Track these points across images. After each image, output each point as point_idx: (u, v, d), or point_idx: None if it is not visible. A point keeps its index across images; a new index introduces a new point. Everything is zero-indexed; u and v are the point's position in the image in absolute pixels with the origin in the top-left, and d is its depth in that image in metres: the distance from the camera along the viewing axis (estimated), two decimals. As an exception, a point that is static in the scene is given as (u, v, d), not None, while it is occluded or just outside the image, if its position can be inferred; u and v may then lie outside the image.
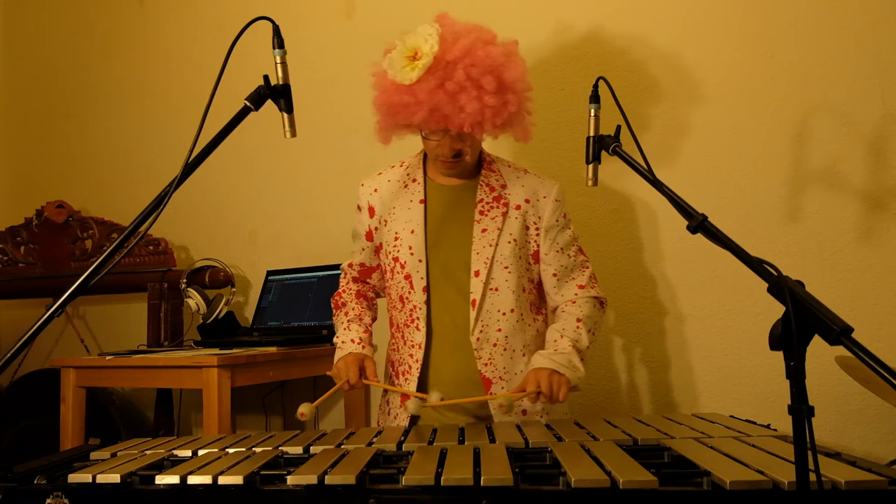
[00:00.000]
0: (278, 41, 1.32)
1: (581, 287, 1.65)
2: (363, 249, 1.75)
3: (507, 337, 1.60)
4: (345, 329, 1.67)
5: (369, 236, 1.72)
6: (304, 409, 1.38)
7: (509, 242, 1.61)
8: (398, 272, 1.64)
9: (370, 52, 2.54)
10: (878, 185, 1.93)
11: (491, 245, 1.60)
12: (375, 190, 1.71)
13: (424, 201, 1.65)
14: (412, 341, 1.62)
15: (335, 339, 1.68)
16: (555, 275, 1.65)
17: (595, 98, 1.46)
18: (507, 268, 1.60)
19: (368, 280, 1.79)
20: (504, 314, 1.60)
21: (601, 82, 1.46)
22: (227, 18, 2.83)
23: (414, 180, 1.68)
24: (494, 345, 1.60)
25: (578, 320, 1.59)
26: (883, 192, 1.93)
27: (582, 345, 1.56)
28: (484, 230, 1.61)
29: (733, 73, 2.07)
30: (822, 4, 1.99)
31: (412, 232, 1.63)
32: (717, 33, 2.09)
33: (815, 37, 1.99)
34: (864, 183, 1.94)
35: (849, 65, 1.96)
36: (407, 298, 1.63)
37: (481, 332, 1.59)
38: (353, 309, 1.72)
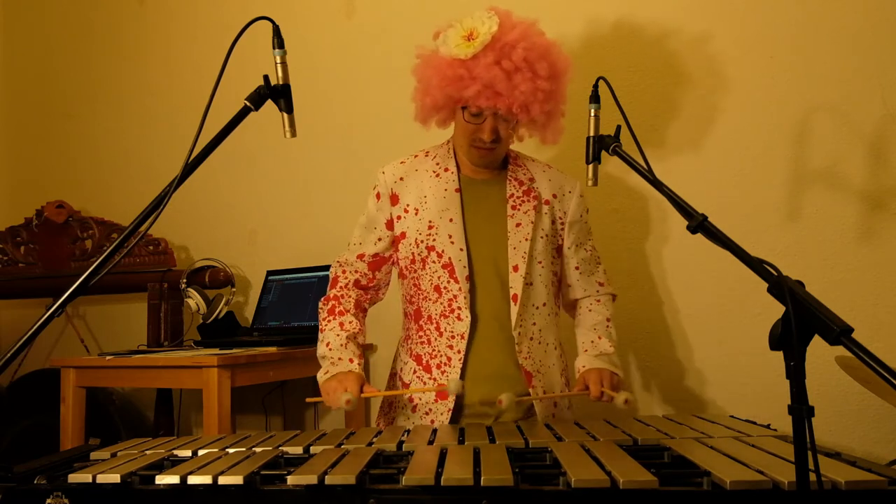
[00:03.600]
0: (278, 41, 1.32)
1: (601, 284, 1.73)
2: (379, 239, 1.68)
3: (541, 330, 1.63)
4: (341, 346, 1.56)
5: (390, 225, 1.67)
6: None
7: (542, 238, 1.63)
8: (433, 261, 1.60)
9: (370, 52, 2.58)
10: (878, 185, 1.93)
11: (526, 239, 1.61)
12: (401, 178, 1.66)
13: (460, 191, 1.65)
14: (452, 331, 1.59)
15: (327, 351, 1.56)
16: (577, 268, 1.70)
17: (595, 98, 1.46)
18: (540, 262, 1.63)
19: (377, 273, 1.70)
20: (538, 308, 1.62)
21: (601, 82, 1.46)
22: (227, 18, 2.83)
23: (446, 170, 1.66)
24: (531, 338, 1.62)
25: (608, 320, 1.69)
26: (883, 192, 1.93)
27: (615, 344, 1.66)
28: (518, 224, 1.62)
29: (733, 74, 2.07)
30: (822, 4, 1.99)
31: (450, 220, 1.61)
32: (718, 33, 2.09)
33: (816, 37, 1.99)
34: (864, 183, 1.94)
35: (849, 65, 1.96)
36: (446, 288, 1.59)
37: (522, 326, 1.59)
38: (351, 324, 1.61)
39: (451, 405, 1.57)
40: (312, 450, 1.27)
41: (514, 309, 1.58)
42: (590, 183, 1.46)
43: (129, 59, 3.08)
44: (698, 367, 2.10)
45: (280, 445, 1.30)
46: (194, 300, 2.53)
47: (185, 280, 2.61)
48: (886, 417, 1.91)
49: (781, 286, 0.90)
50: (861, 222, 1.95)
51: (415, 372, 1.64)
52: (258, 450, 1.28)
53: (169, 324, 2.62)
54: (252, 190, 2.79)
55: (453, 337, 1.59)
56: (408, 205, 1.65)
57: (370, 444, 1.29)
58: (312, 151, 2.63)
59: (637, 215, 2.17)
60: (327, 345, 1.58)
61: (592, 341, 1.65)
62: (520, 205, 1.64)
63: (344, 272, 1.70)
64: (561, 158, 2.22)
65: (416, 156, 1.71)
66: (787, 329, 0.86)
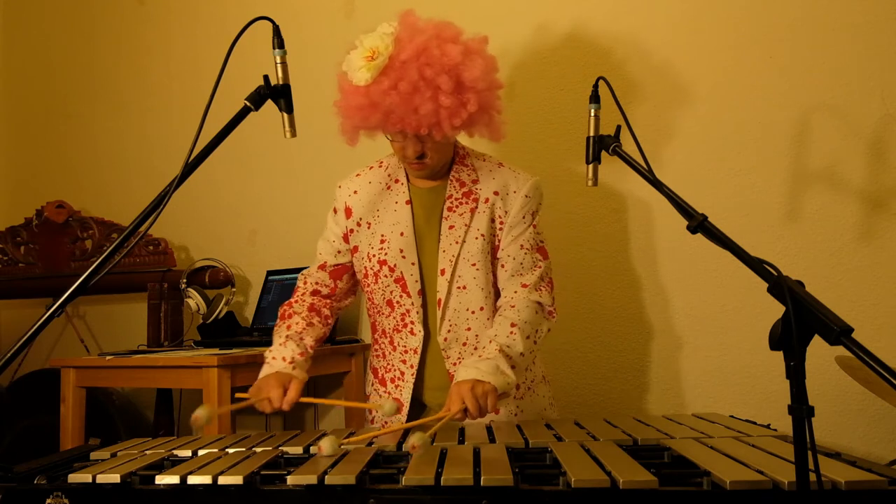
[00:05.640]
0: (278, 41, 1.33)
1: (524, 286, 1.55)
2: (339, 252, 1.67)
3: (477, 336, 1.56)
4: (280, 345, 1.52)
5: (346, 238, 1.66)
6: (200, 413, 1.21)
7: (477, 238, 1.55)
8: (385, 276, 1.58)
9: (370, 52, 2.57)
10: (878, 185, 1.93)
11: (457, 242, 1.55)
12: (355, 192, 1.65)
13: (410, 202, 1.60)
14: (405, 346, 1.58)
15: (266, 353, 1.54)
16: (503, 266, 1.58)
17: (595, 98, 1.46)
18: (474, 265, 1.55)
19: (339, 281, 1.68)
20: (473, 312, 1.56)
21: (601, 82, 1.45)
22: (227, 18, 2.83)
23: (397, 181, 1.63)
24: (464, 344, 1.57)
25: (513, 325, 1.48)
26: (883, 192, 1.93)
27: (513, 350, 1.44)
28: (451, 227, 1.56)
29: (733, 74, 2.07)
30: (821, 4, 1.98)
31: (401, 234, 1.58)
32: (717, 33, 2.09)
33: (815, 37, 1.99)
34: (864, 183, 1.94)
35: (849, 65, 1.96)
36: (398, 302, 1.58)
37: (449, 331, 1.56)
38: (297, 324, 1.57)
39: (404, 420, 1.56)
40: (312, 450, 1.27)
41: (438, 314, 1.55)
42: (590, 183, 1.45)
43: (129, 59, 3.08)
44: (698, 367, 2.09)
45: (280, 445, 1.30)
46: (194, 300, 2.53)
47: (185, 280, 2.60)
48: (886, 417, 1.91)
49: (781, 286, 0.90)
50: (861, 222, 1.95)
51: (372, 384, 1.67)
52: (258, 450, 1.28)
53: (169, 324, 2.62)
54: (252, 190, 2.79)
55: (406, 351, 1.58)
56: (360, 218, 1.63)
57: (370, 443, 1.29)
58: (312, 151, 2.63)
59: (637, 215, 2.17)
60: (270, 346, 1.56)
61: (484, 347, 1.46)
62: (457, 207, 1.57)
63: (305, 282, 1.70)
64: (560, 159, 2.23)
65: (371, 167, 1.69)
66: (787, 329, 0.86)
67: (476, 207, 1.57)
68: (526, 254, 1.57)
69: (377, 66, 1.38)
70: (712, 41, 2.09)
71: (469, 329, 1.57)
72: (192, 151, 1.25)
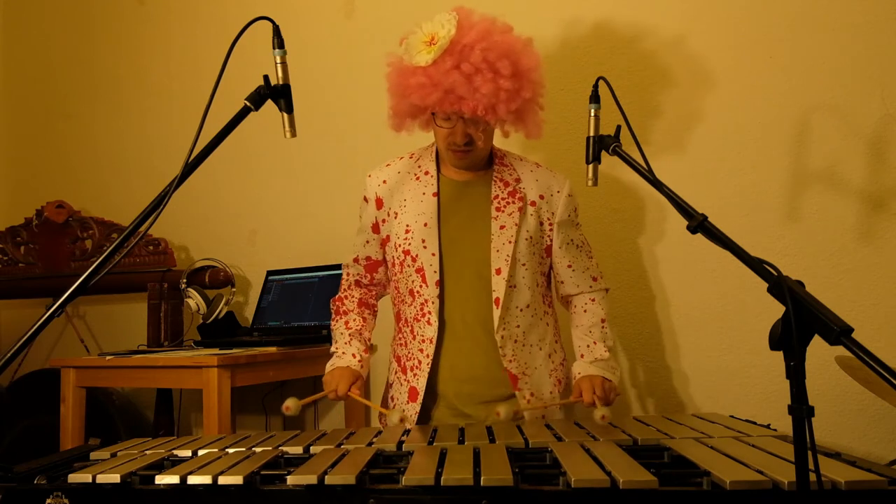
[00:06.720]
0: (278, 41, 1.33)
1: (595, 279, 1.71)
2: (368, 242, 1.73)
3: (525, 333, 1.62)
4: (346, 343, 1.67)
5: (375, 228, 1.70)
6: (290, 403, 1.43)
7: (526, 239, 1.61)
8: (408, 265, 1.62)
9: (370, 52, 2.57)
10: (878, 185, 1.93)
11: (510, 242, 1.59)
12: (384, 181, 1.69)
13: (438, 195, 1.64)
14: (422, 336, 1.61)
15: (334, 348, 1.68)
16: (570, 266, 1.68)
17: (595, 98, 1.46)
18: (524, 265, 1.61)
19: (375, 274, 1.76)
20: (521, 310, 1.61)
21: (601, 82, 1.46)
22: (227, 18, 2.84)
23: (426, 173, 1.66)
24: (515, 341, 1.60)
25: (603, 321, 1.66)
26: (883, 192, 1.93)
27: (610, 346, 1.65)
28: (502, 227, 1.60)
29: (733, 74, 2.07)
30: (821, 4, 1.98)
31: (425, 225, 1.61)
32: (717, 34, 2.09)
33: (815, 37, 1.99)
34: (864, 183, 1.94)
35: (849, 65, 1.96)
36: (418, 292, 1.61)
37: (504, 329, 1.59)
38: (354, 321, 1.71)
39: (419, 408, 1.61)
40: (312, 450, 1.27)
41: (497, 312, 1.57)
42: (590, 183, 1.45)
43: (129, 59, 3.08)
44: (698, 366, 2.09)
45: (280, 445, 1.30)
46: (194, 300, 2.53)
47: (185, 280, 2.60)
48: (886, 417, 1.91)
49: (781, 286, 0.90)
50: (861, 222, 1.95)
51: (395, 372, 1.71)
52: (258, 450, 1.28)
53: (169, 324, 2.62)
54: (252, 190, 2.79)
55: (424, 341, 1.61)
56: (390, 209, 1.67)
57: (370, 444, 1.29)
58: (312, 151, 2.63)
59: (637, 215, 2.17)
60: (334, 341, 1.70)
61: (588, 346, 1.64)
62: (504, 206, 1.62)
63: (347, 274, 1.81)
64: (561, 159, 2.23)
65: (401, 158, 1.73)
66: (787, 329, 0.86)
67: (523, 207, 1.62)
68: (583, 250, 1.72)
69: (440, 48, 1.45)
70: (712, 41, 2.09)
71: (518, 326, 1.61)
72: (192, 151, 1.25)
